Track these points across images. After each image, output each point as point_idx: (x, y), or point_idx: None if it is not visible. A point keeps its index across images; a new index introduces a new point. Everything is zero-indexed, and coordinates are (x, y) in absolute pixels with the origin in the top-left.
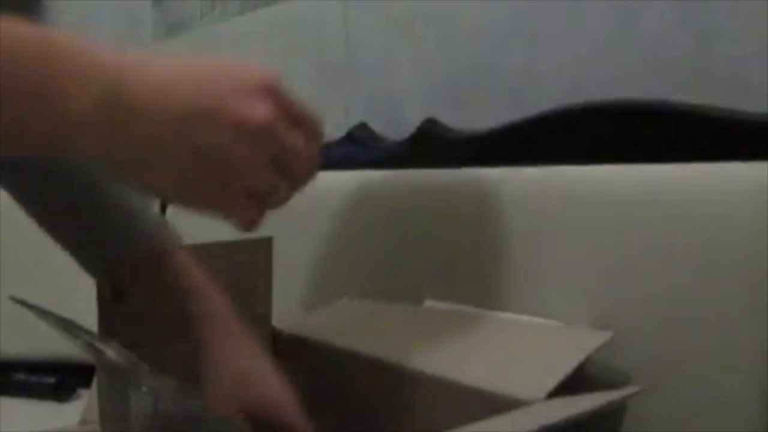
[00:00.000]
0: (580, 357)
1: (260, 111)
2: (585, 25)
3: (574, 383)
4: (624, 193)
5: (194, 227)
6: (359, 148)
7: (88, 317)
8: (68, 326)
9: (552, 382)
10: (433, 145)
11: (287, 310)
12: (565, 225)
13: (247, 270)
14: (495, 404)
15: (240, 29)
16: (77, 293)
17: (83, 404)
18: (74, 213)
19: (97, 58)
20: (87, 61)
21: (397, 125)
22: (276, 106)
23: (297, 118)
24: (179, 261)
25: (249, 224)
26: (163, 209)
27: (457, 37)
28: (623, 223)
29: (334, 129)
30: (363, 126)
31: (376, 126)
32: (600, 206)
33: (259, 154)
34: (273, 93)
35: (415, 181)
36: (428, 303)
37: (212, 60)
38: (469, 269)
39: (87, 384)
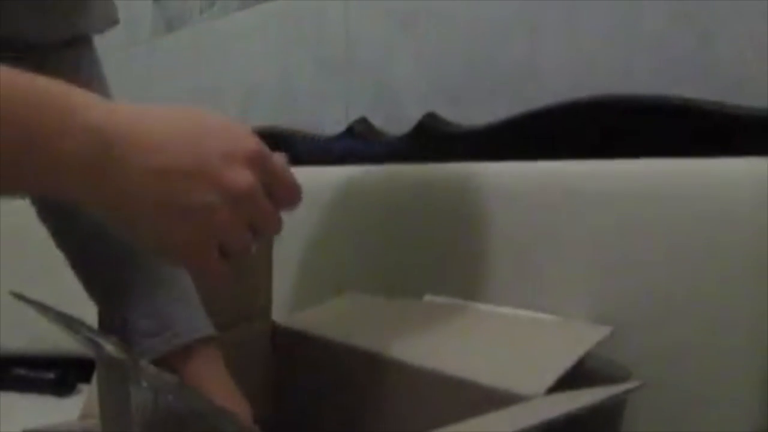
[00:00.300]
0: (580, 352)
1: (245, 178)
2: (586, 20)
3: (574, 378)
4: (624, 188)
5: None
6: (359, 143)
7: (89, 312)
8: (68, 321)
9: (552, 377)
10: (433, 140)
11: (286, 305)
12: (564, 220)
13: (247, 265)
14: (494, 399)
15: (240, 25)
16: (77, 288)
17: (83, 399)
18: (110, 282)
19: (92, 108)
20: (80, 110)
21: (397, 120)
22: (258, 175)
23: (275, 187)
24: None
25: (218, 278)
26: None
27: (457, 32)
28: (623, 218)
29: (334, 123)
30: (363, 120)
31: (376, 120)
32: (600, 201)
33: (239, 217)
34: (259, 161)
35: (415, 176)
36: (427, 297)
37: (206, 118)
38: (468, 264)
39: (87, 379)
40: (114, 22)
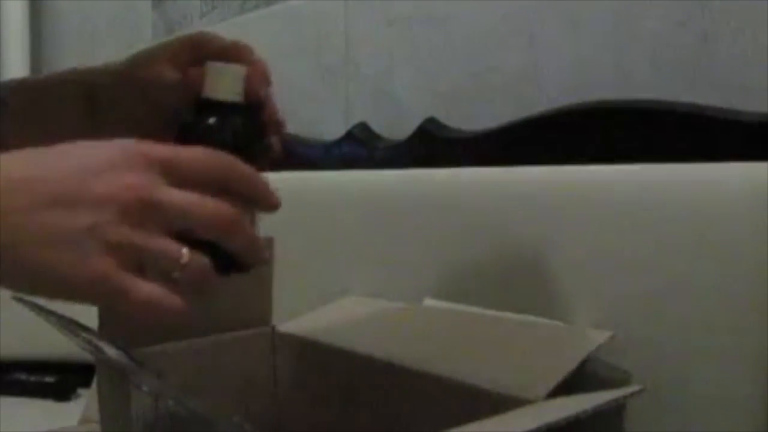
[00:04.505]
0: (581, 356)
1: (124, 182)
2: (585, 26)
3: (574, 382)
4: (624, 194)
5: None
6: (359, 148)
7: (89, 316)
8: (69, 325)
9: (553, 381)
10: (433, 145)
11: (287, 310)
12: (564, 224)
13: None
14: (496, 403)
15: (240, 29)
16: None
17: (83, 404)
18: None
19: None
20: None
21: (397, 125)
22: (151, 173)
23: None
24: None
25: (148, 307)
26: None
27: (457, 37)
28: (623, 223)
29: (333, 128)
30: (363, 126)
31: (376, 126)
32: (599, 206)
33: (144, 226)
34: (140, 159)
35: (414, 181)
36: (427, 302)
37: (69, 146)
38: (468, 269)
39: (87, 383)
40: None
